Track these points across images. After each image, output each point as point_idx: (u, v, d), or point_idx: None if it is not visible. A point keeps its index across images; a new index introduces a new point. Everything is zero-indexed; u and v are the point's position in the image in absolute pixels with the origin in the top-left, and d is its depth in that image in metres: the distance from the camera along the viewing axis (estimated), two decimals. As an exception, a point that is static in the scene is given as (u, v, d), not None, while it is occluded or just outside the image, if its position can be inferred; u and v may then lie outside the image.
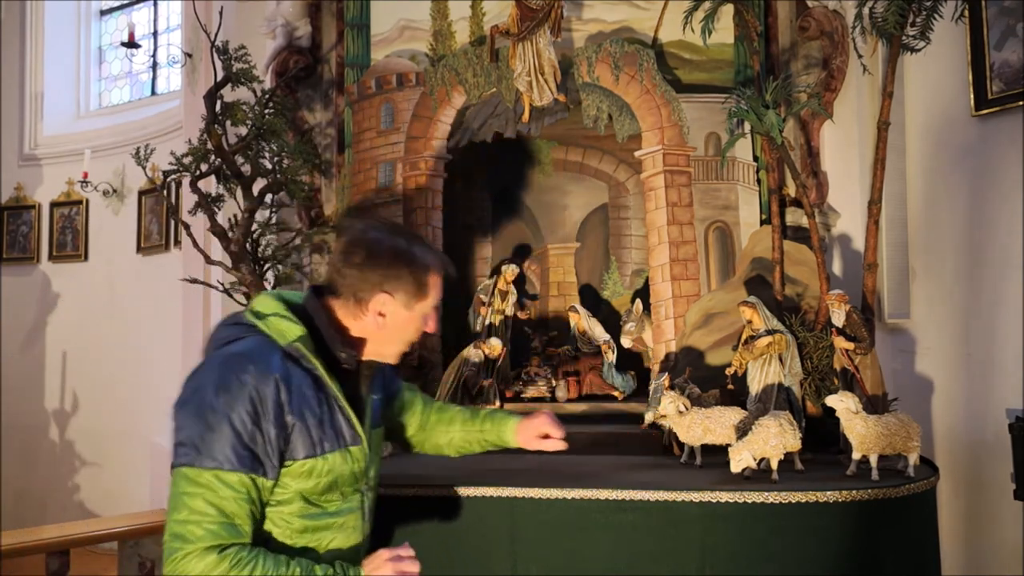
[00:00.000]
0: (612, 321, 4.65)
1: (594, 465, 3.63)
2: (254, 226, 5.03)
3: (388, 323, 1.72)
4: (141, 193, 7.91)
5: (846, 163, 4.52)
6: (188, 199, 5.27)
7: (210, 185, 5.21)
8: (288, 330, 1.63)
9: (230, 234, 4.94)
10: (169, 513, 1.53)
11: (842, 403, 3.27)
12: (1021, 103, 3.92)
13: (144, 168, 5.25)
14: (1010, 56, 3.97)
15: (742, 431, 3.36)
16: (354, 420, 1.69)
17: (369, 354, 1.78)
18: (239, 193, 5.04)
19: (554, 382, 4.55)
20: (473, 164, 5.06)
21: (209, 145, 4.87)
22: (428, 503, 3.20)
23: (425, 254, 1.75)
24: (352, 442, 1.70)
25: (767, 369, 3.72)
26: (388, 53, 5.15)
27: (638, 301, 4.58)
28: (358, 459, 1.72)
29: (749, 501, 2.98)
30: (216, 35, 4.82)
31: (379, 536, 3.29)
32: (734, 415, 3.50)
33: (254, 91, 4.99)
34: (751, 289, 4.24)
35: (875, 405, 3.57)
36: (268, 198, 5.14)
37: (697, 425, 3.50)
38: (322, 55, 5.47)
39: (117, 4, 8.81)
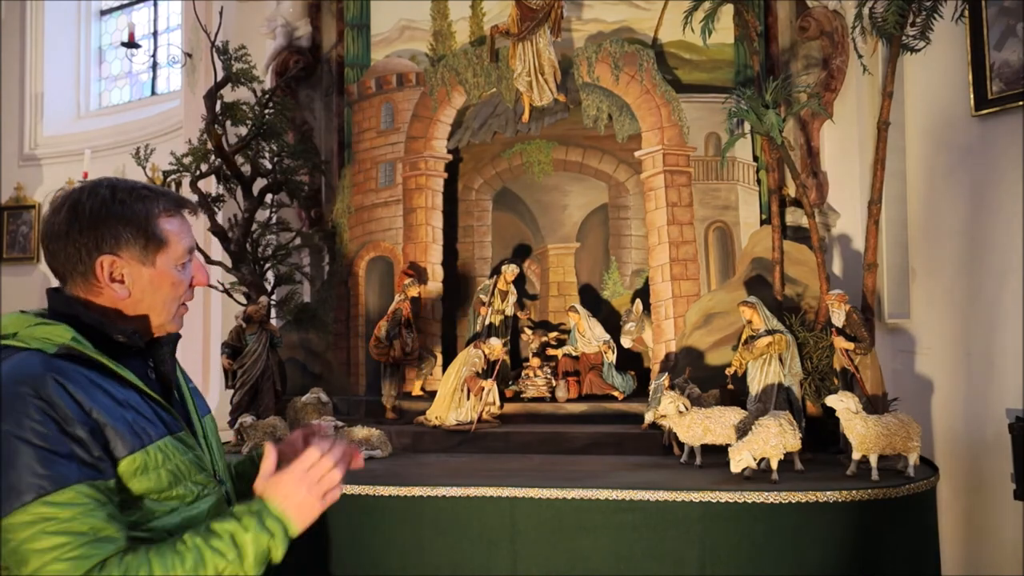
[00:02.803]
0: (612, 321, 4.65)
1: (594, 465, 3.63)
2: (254, 226, 5.04)
3: (133, 287, 1.48)
4: (141, 193, 7.90)
5: (846, 163, 4.52)
6: (188, 199, 5.27)
7: (210, 185, 5.21)
8: (53, 333, 1.40)
9: (230, 234, 4.95)
10: (17, 572, 1.27)
11: (842, 403, 3.27)
12: (1021, 103, 3.92)
13: (144, 168, 5.25)
14: (1010, 56, 3.97)
15: (742, 431, 3.36)
16: (167, 405, 1.49)
17: (153, 330, 1.55)
18: (239, 193, 5.05)
19: (554, 382, 4.55)
20: (473, 164, 5.06)
21: (209, 145, 4.88)
22: (429, 503, 3.20)
23: (139, 199, 1.48)
24: (175, 428, 1.48)
25: (767, 369, 3.72)
26: (388, 53, 5.15)
27: (638, 301, 4.57)
28: (192, 445, 1.51)
29: (749, 501, 2.98)
30: (216, 35, 4.82)
31: (372, 536, 3.30)
32: (734, 415, 3.50)
33: (254, 91, 4.98)
34: (751, 289, 4.24)
35: (875, 405, 3.57)
36: (268, 198, 5.15)
37: (697, 425, 3.50)
38: (322, 55, 5.47)
39: (117, 4, 8.81)
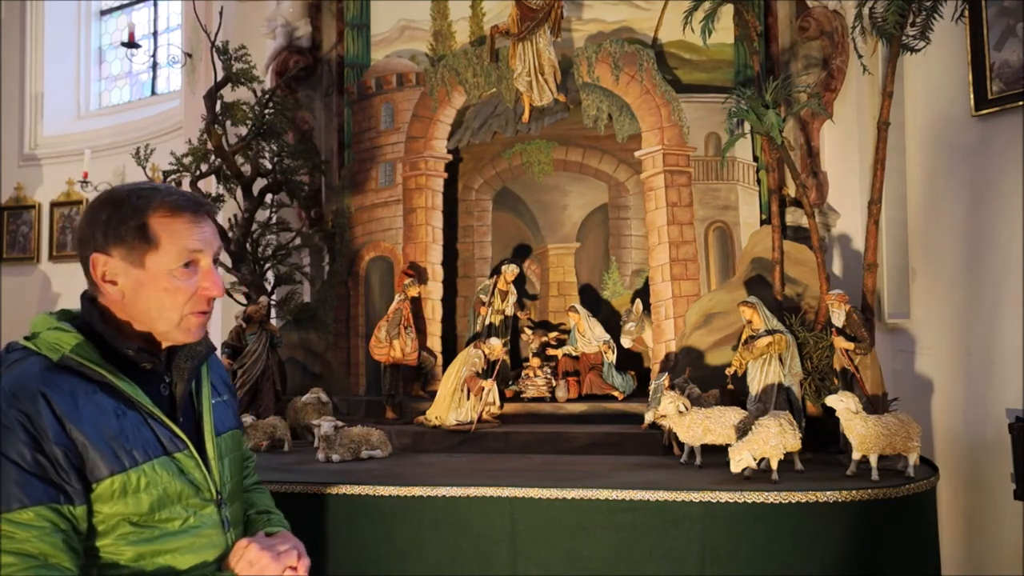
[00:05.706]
0: (612, 321, 4.65)
1: (594, 465, 3.63)
2: (254, 226, 5.04)
3: (126, 290, 1.42)
4: (141, 193, 7.90)
5: (846, 163, 4.52)
6: (188, 199, 5.27)
7: (210, 185, 5.21)
8: (59, 340, 1.40)
9: (230, 234, 4.95)
10: None
11: (842, 403, 3.27)
12: (1021, 103, 3.92)
13: (144, 168, 5.25)
14: (1010, 56, 3.97)
15: (742, 431, 3.36)
16: (169, 423, 1.44)
17: (159, 339, 1.49)
18: (239, 193, 5.05)
19: (554, 382, 4.55)
20: (473, 164, 5.06)
21: (209, 145, 4.88)
22: (428, 503, 3.20)
23: (138, 196, 1.41)
24: (175, 448, 1.44)
25: (767, 369, 3.72)
26: (388, 53, 5.15)
27: (638, 301, 4.57)
28: (190, 467, 1.46)
29: (749, 501, 2.98)
30: (216, 35, 4.82)
31: (372, 536, 3.30)
32: (734, 415, 3.50)
33: (254, 91, 4.99)
34: (751, 289, 4.24)
35: (875, 405, 3.57)
36: (268, 198, 5.15)
37: (697, 425, 3.49)
38: (322, 55, 5.47)
39: (117, 4, 8.82)
